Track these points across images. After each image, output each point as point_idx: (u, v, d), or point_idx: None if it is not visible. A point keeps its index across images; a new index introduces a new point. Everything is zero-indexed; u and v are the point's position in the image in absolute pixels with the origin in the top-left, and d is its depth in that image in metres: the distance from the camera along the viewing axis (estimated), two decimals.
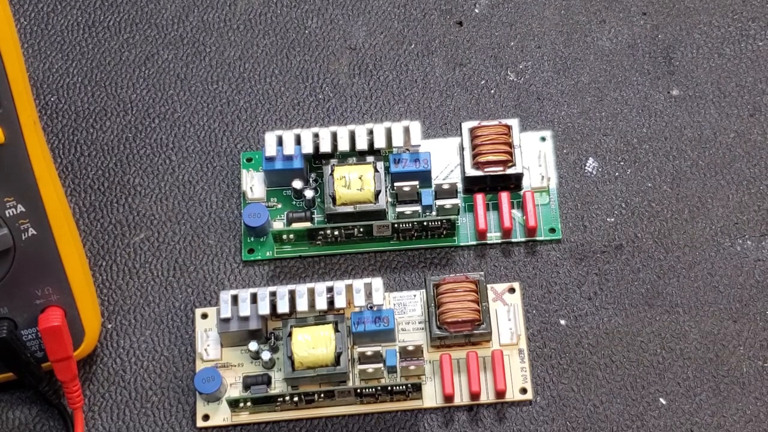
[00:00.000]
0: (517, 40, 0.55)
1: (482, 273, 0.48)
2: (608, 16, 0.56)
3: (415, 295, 0.49)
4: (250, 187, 0.52)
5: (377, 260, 0.51)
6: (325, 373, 0.46)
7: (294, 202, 0.51)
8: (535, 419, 0.47)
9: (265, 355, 0.47)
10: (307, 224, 0.50)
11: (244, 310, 0.47)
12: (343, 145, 0.50)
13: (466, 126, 0.51)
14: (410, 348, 0.47)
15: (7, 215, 0.45)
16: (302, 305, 0.47)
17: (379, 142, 0.50)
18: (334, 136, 0.50)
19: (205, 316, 0.49)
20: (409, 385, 0.46)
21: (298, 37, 0.56)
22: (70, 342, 0.46)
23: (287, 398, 0.46)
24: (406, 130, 0.50)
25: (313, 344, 0.46)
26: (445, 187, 0.50)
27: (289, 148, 0.50)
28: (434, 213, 0.50)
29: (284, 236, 0.50)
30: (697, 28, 0.55)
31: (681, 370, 0.48)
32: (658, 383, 0.48)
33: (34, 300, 0.46)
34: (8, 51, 0.43)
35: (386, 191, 0.50)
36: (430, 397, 0.48)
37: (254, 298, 0.47)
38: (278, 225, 0.51)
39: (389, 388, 0.46)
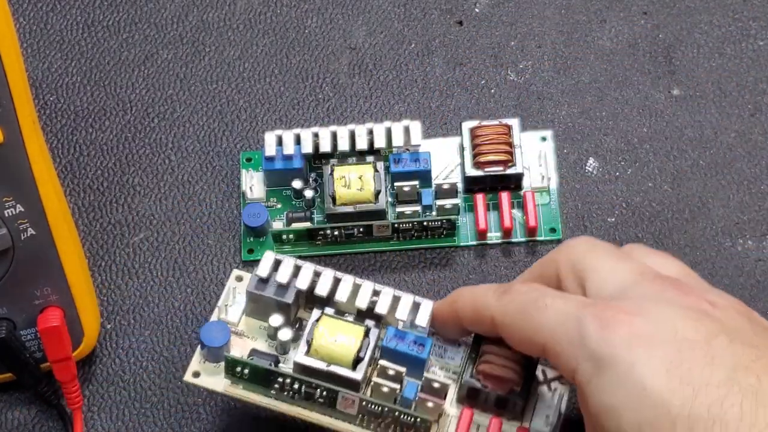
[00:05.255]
0: (517, 40, 0.55)
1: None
2: (609, 16, 0.56)
3: (459, 345, 0.45)
4: (250, 187, 0.51)
5: (377, 260, 0.51)
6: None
7: (294, 202, 0.51)
8: None
9: (284, 335, 0.44)
10: (307, 224, 0.50)
11: (283, 277, 0.44)
12: (343, 145, 0.50)
13: (466, 126, 0.51)
14: (436, 386, 0.42)
15: (6, 215, 0.44)
16: (342, 295, 0.44)
17: (379, 142, 0.50)
18: (334, 135, 0.50)
19: (240, 279, 0.46)
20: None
21: (298, 36, 0.56)
22: (69, 342, 0.46)
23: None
24: (406, 130, 0.50)
25: (337, 338, 0.43)
26: (445, 187, 0.50)
27: (289, 148, 0.50)
28: (434, 213, 0.50)
29: (284, 236, 0.50)
30: (698, 28, 0.55)
31: None
32: None
33: (33, 300, 0.46)
34: (7, 50, 0.43)
35: (386, 191, 0.50)
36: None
37: (297, 270, 0.45)
38: (278, 225, 0.51)
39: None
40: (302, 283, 0.44)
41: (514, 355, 0.42)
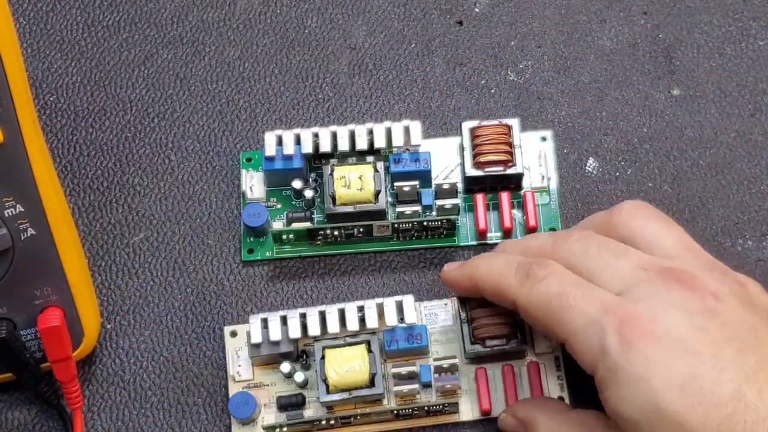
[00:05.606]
0: (517, 40, 0.55)
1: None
2: (609, 16, 0.56)
3: (446, 304, 0.49)
4: (250, 187, 0.51)
5: (377, 260, 0.51)
6: (360, 395, 0.46)
7: (294, 202, 0.51)
8: None
9: (299, 377, 0.47)
10: (307, 224, 0.50)
11: (275, 334, 0.46)
12: (343, 145, 0.50)
13: (466, 126, 0.51)
14: (445, 365, 0.46)
15: (6, 215, 0.44)
16: (333, 326, 0.46)
17: (379, 142, 0.50)
18: (334, 135, 0.50)
19: (234, 334, 0.49)
20: (446, 404, 0.46)
21: (298, 36, 0.56)
22: (69, 342, 0.46)
23: (323, 421, 0.46)
24: (406, 130, 0.50)
25: (347, 366, 0.46)
26: (445, 187, 0.50)
27: (289, 148, 0.50)
28: (434, 213, 0.50)
29: (284, 236, 0.50)
30: (698, 28, 0.55)
31: None
32: None
33: (33, 300, 0.46)
34: (7, 50, 0.43)
35: (386, 191, 0.50)
36: (467, 411, 0.47)
37: (284, 321, 0.47)
38: (278, 225, 0.51)
39: (426, 408, 0.46)
40: (293, 332, 0.46)
41: (501, 309, 0.45)
